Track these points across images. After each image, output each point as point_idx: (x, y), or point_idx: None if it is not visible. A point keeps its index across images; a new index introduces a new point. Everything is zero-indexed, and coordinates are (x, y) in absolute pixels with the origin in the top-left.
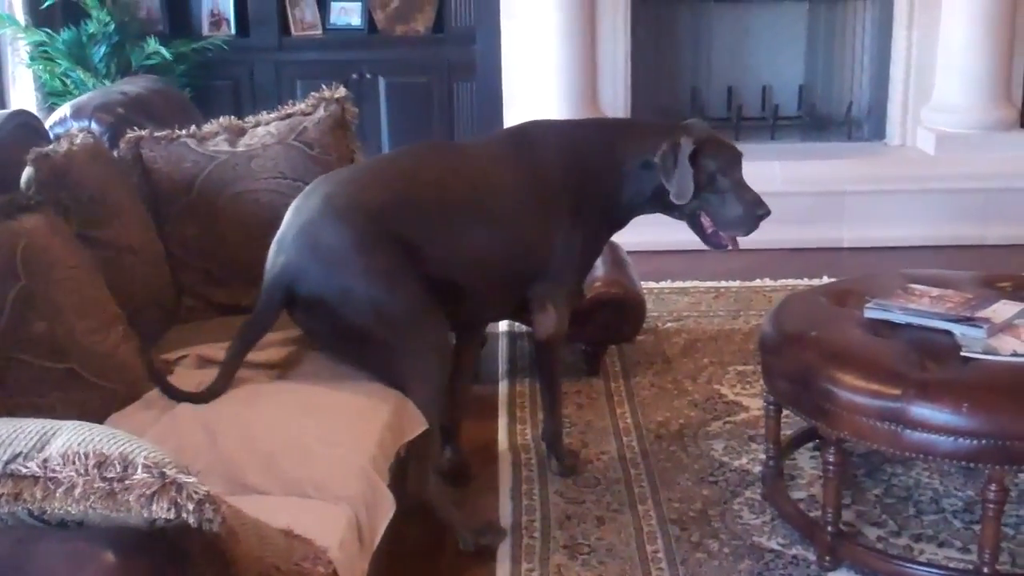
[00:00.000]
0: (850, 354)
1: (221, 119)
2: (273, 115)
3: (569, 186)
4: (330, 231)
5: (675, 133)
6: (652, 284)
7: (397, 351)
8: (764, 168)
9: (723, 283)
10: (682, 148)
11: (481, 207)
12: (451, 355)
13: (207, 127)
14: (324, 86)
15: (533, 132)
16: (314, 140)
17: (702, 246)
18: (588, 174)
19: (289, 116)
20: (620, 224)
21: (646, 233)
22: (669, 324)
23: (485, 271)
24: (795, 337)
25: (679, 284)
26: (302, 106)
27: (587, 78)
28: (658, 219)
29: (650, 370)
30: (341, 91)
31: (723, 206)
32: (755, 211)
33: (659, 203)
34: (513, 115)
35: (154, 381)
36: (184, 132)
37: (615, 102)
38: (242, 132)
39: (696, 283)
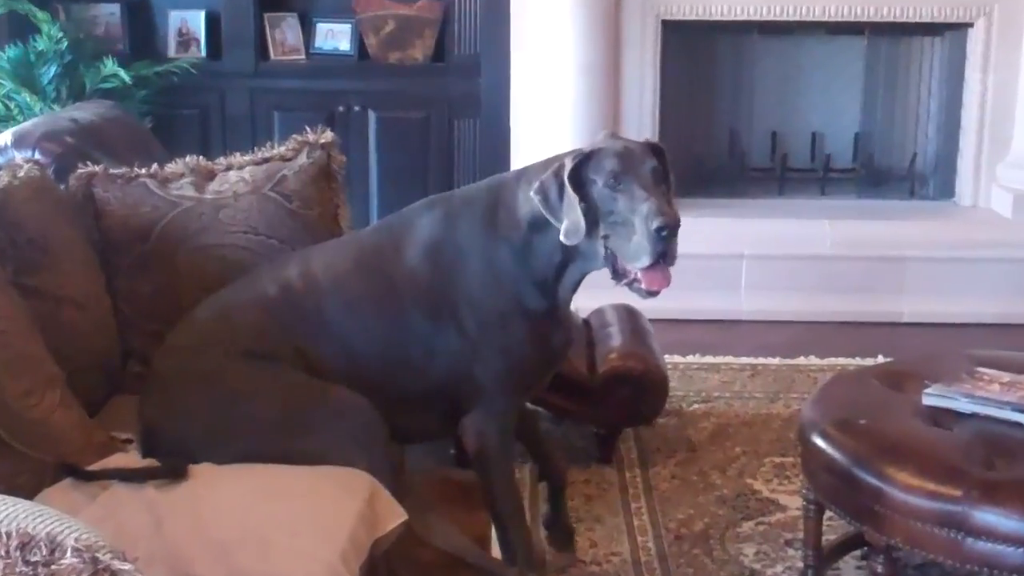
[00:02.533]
0: (905, 447)
1: (188, 159)
2: (248, 158)
3: (434, 290)
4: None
5: (563, 159)
6: (677, 358)
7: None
8: (812, 228)
9: (761, 359)
10: (564, 169)
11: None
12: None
13: (170, 167)
14: (308, 128)
15: (402, 229)
16: (294, 192)
17: (737, 314)
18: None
19: (266, 161)
20: (551, 302)
21: (670, 298)
22: (696, 405)
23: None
24: (842, 425)
25: (709, 359)
26: (282, 150)
27: (608, 118)
28: (684, 281)
29: (672, 459)
30: (328, 135)
31: (622, 233)
32: (650, 226)
33: (579, 259)
34: (521, 158)
35: (117, 476)
36: (144, 171)
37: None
38: (211, 176)
39: (729, 359)
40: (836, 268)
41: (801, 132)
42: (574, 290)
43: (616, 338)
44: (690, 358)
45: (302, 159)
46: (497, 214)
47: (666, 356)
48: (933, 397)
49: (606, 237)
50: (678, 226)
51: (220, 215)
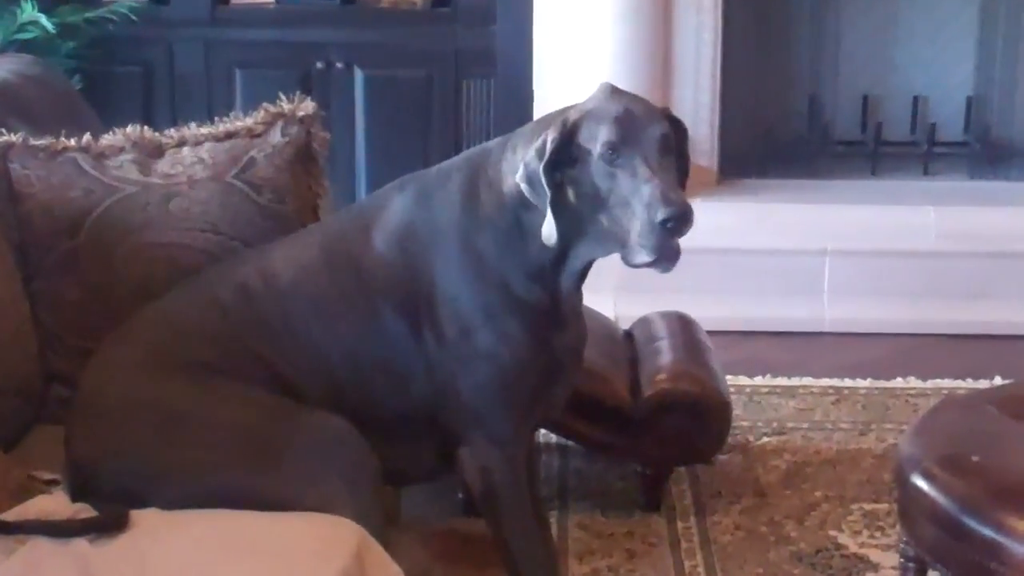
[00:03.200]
0: None
1: (129, 129)
2: (206, 131)
3: (408, 283)
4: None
5: (551, 124)
6: (742, 380)
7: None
8: (913, 217)
9: (847, 381)
10: (547, 146)
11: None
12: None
13: (107, 139)
14: (282, 96)
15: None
16: (265, 180)
17: (819, 324)
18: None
19: (230, 136)
20: (550, 295)
21: (733, 306)
22: (766, 439)
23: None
24: (949, 463)
25: (782, 381)
26: (249, 122)
27: (656, 77)
28: (752, 284)
29: (736, 506)
30: (308, 106)
31: (622, 219)
32: (652, 216)
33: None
34: None
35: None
36: (73, 143)
37: (696, 112)
38: (159, 152)
39: (808, 381)
40: (943, 267)
41: (899, 96)
42: (581, 279)
43: (666, 354)
44: (758, 380)
45: (275, 137)
46: (478, 189)
47: (728, 377)
48: None
49: (610, 220)
50: (688, 217)
51: (170, 206)
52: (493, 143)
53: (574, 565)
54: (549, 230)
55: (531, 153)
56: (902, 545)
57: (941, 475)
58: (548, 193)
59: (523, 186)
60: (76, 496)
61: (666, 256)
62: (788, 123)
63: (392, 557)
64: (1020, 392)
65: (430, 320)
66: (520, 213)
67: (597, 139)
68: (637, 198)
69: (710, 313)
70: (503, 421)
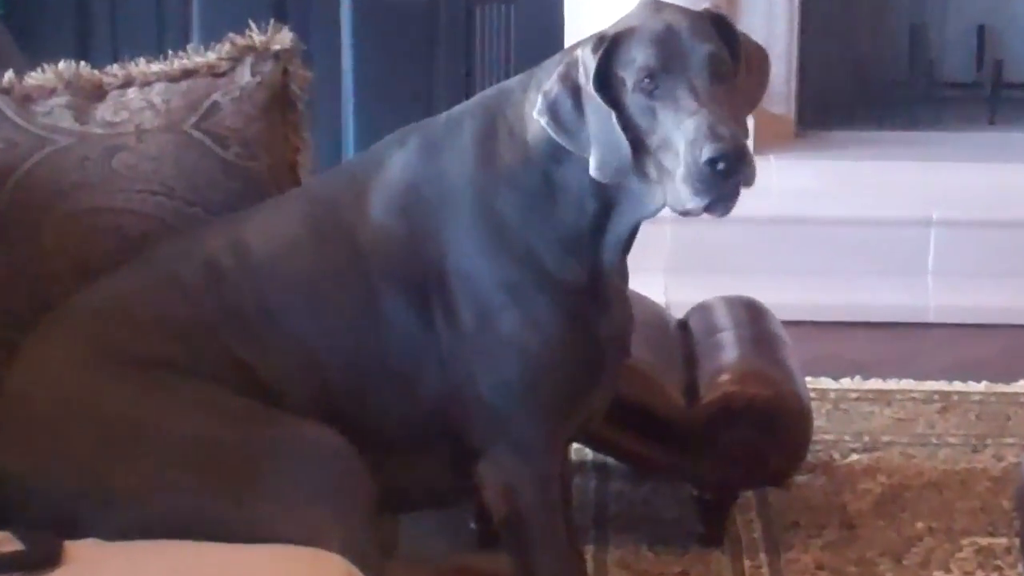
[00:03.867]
0: None
1: (61, 66)
2: (157, 68)
3: (414, 258)
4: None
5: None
6: (825, 382)
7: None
8: None
9: (957, 385)
10: (581, 69)
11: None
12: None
13: (34, 78)
14: (251, 24)
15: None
16: (231, 131)
17: (921, 313)
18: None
19: (187, 75)
20: (590, 269)
21: (813, 289)
22: (855, 456)
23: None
24: None
25: (876, 384)
26: (211, 57)
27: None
28: (837, 262)
29: (817, 540)
30: (285, 38)
31: (666, 161)
32: (697, 154)
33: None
34: None
35: None
36: None
37: (769, 46)
38: (99, 95)
39: (908, 384)
40: None
41: None
42: (626, 250)
43: (730, 349)
44: (845, 382)
45: (243, 76)
46: (496, 140)
47: (808, 379)
48: None
49: (653, 167)
50: (742, 155)
51: (114, 163)
52: (513, 82)
53: None
54: (612, 157)
55: (553, 79)
56: None
57: None
58: (612, 113)
59: (544, 121)
60: None
61: (720, 197)
62: (885, 61)
63: None
64: None
65: (441, 304)
66: (550, 168)
67: (634, 65)
68: (680, 134)
69: (784, 299)
70: (532, 428)
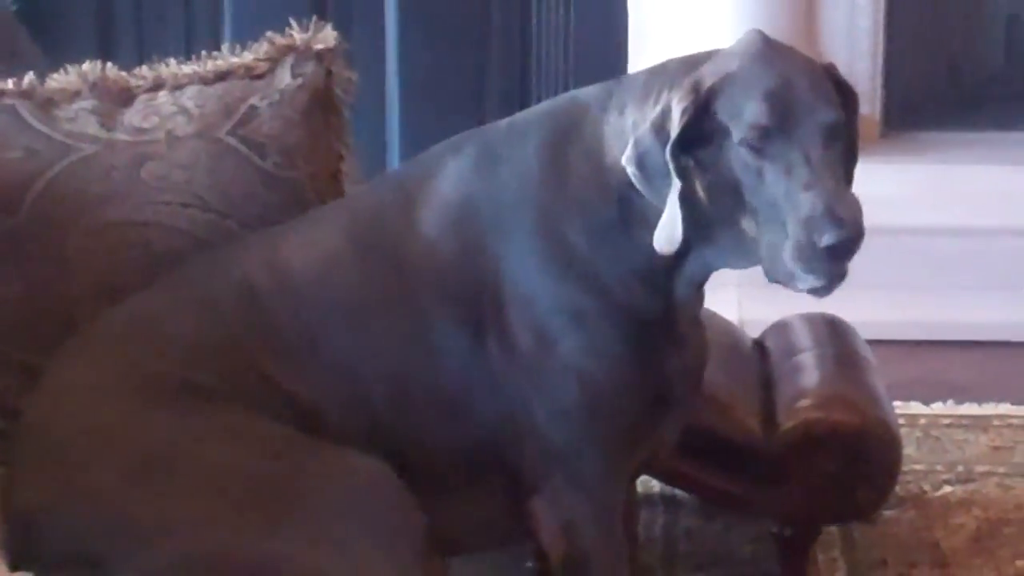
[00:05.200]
0: None
1: (85, 67)
2: (189, 69)
3: (467, 278)
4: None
5: (675, 85)
6: (915, 407)
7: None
8: None
9: None
10: (672, 119)
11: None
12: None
13: (56, 79)
14: (292, 21)
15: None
16: (270, 138)
17: (1019, 332)
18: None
19: (221, 77)
20: (663, 302)
21: (901, 305)
22: (948, 488)
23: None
24: None
25: (972, 410)
26: (248, 58)
27: None
28: (924, 276)
29: None
30: (328, 36)
31: (767, 227)
32: (811, 236)
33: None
34: (647, 56)
35: None
36: (11, 85)
37: (852, 41)
38: (127, 99)
39: (1007, 407)
40: None
41: None
42: (701, 286)
43: (811, 372)
44: (937, 407)
45: (282, 78)
46: (567, 158)
47: (896, 404)
48: None
49: (751, 226)
50: (860, 239)
51: (143, 172)
52: (588, 94)
53: None
54: (670, 234)
55: (646, 127)
56: None
57: None
58: (678, 184)
59: (632, 171)
60: (17, 562)
61: (828, 282)
62: (978, 54)
63: None
64: None
65: (496, 327)
66: (629, 196)
67: (742, 117)
68: (791, 207)
69: (869, 316)
70: (593, 461)
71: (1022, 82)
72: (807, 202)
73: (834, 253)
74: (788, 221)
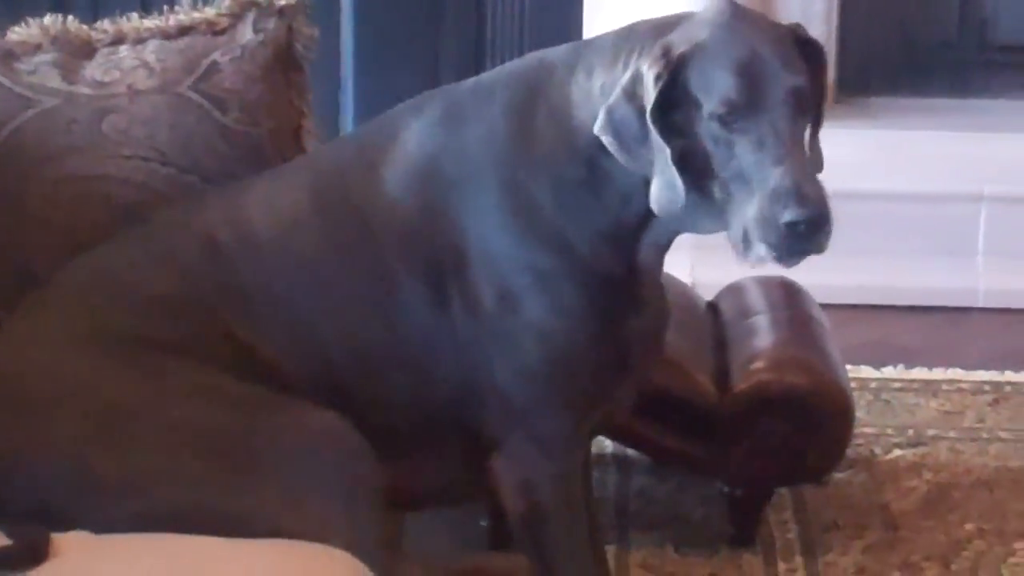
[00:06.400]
0: None
1: (47, 19)
2: (151, 23)
3: (430, 236)
4: None
5: (644, 50)
6: (865, 371)
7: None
8: None
9: (1010, 375)
10: (645, 85)
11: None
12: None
13: (17, 32)
14: None
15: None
16: (231, 93)
17: (970, 297)
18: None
19: (183, 32)
20: (625, 263)
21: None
22: (898, 452)
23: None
24: None
25: (921, 374)
26: (209, 13)
27: None
28: (876, 241)
29: (858, 541)
30: None
31: (735, 197)
32: (776, 212)
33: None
34: (599, 23)
35: None
36: None
37: (806, 6)
38: (89, 52)
39: (956, 373)
40: None
41: None
42: (665, 249)
43: (765, 334)
44: (888, 371)
45: (244, 33)
46: (534, 118)
47: (847, 366)
48: None
49: (721, 192)
50: (825, 221)
51: (104, 126)
52: (555, 56)
53: None
54: (671, 197)
55: (619, 94)
56: None
57: None
58: (666, 149)
59: (607, 140)
60: None
61: (789, 255)
62: (932, 20)
63: None
64: None
65: (458, 285)
66: (597, 158)
67: (712, 91)
68: (759, 181)
69: (821, 280)
70: (552, 419)
71: (974, 49)
72: (774, 177)
73: (795, 230)
74: (756, 193)
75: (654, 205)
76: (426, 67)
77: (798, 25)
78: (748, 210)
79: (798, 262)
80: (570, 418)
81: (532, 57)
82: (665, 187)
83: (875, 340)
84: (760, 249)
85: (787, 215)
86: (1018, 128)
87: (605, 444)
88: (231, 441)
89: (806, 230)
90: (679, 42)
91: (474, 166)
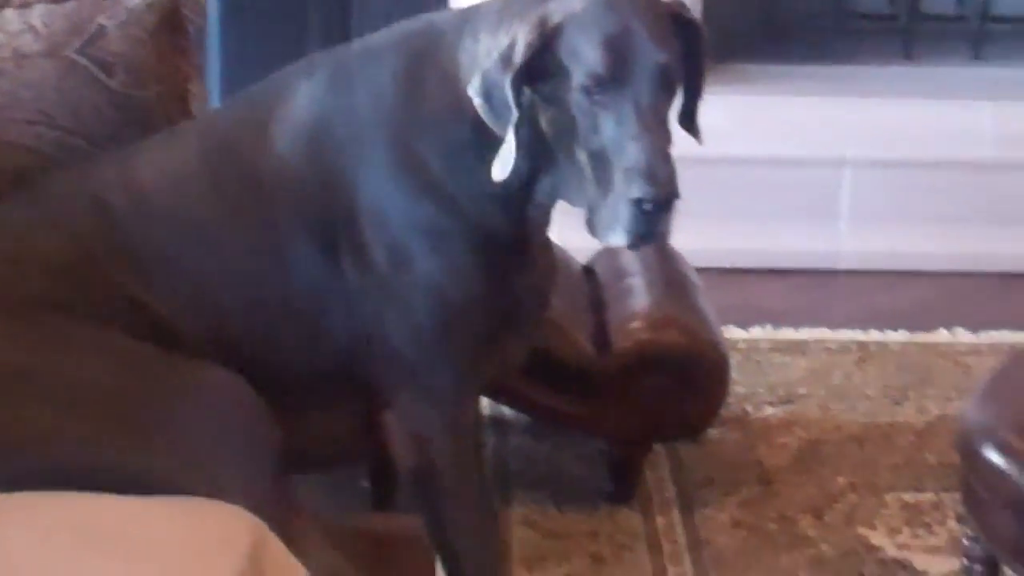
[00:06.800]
0: None
1: None
2: None
3: (321, 196)
4: None
5: (525, 17)
6: (736, 332)
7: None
8: (961, 114)
9: (875, 334)
10: (517, 52)
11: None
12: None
13: None
14: None
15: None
16: (117, 57)
17: (834, 259)
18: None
19: None
20: (514, 222)
21: (720, 236)
22: (769, 410)
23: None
24: None
25: (788, 334)
26: None
27: None
28: (743, 206)
29: (733, 497)
30: None
31: (598, 172)
32: (629, 189)
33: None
34: None
35: None
36: None
37: None
38: None
39: (823, 333)
40: (1001, 182)
41: None
42: (550, 210)
43: (641, 295)
44: (756, 332)
45: None
46: (423, 80)
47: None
48: None
49: (588, 162)
50: (671, 202)
51: None
52: (444, 20)
53: (521, 574)
54: (503, 163)
55: (494, 58)
56: (966, 542)
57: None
58: (515, 115)
59: (477, 102)
60: None
61: (639, 238)
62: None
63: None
64: None
65: (351, 245)
66: (482, 121)
67: (580, 62)
68: (616, 155)
69: (686, 244)
70: (444, 376)
71: (834, 16)
72: (631, 153)
73: (642, 208)
74: (612, 167)
75: (493, 170)
76: (293, 32)
77: (681, 3)
78: (602, 185)
79: (641, 245)
80: (460, 374)
81: (421, 20)
82: (503, 153)
83: (742, 303)
84: (612, 231)
85: (634, 191)
86: (878, 94)
87: (481, 405)
88: (127, 400)
89: (652, 209)
90: (556, 12)
91: (364, 127)
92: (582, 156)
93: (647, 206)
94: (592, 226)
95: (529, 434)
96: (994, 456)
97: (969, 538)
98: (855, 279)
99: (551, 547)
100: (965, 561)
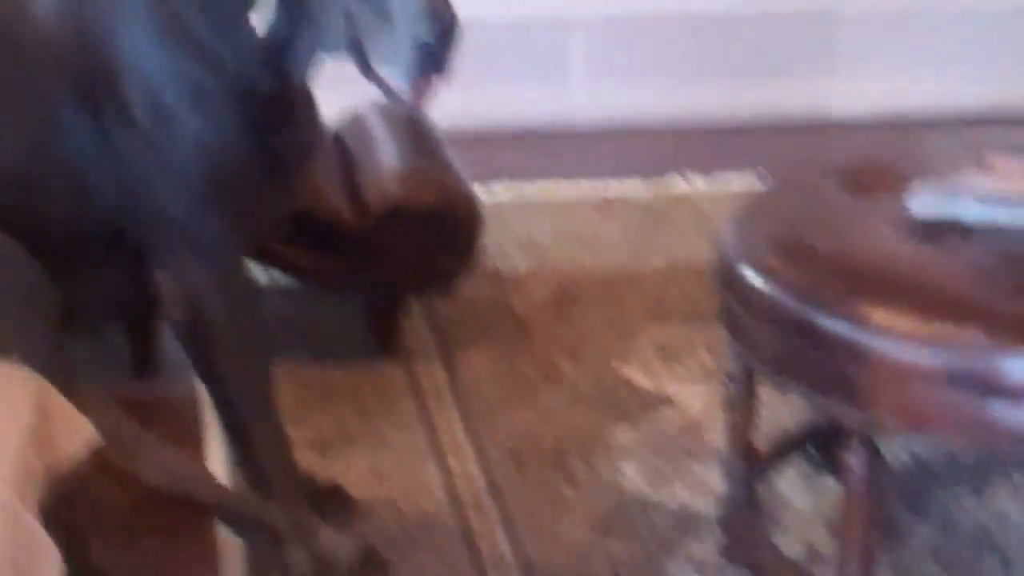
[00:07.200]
0: (891, 276)
1: None
2: None
3: (82, 58)
4: None
5: None
6: (479, 190)
7: None
8: None
9: (613, 185)
10: None
11: None
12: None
13: None
14: None
15: None
16: None
17: (567, 116)
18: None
19: None
20: (274, 76)
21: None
22: (520, 262)
23: None
24: (788, 251)
25: (532, 190)
26: None
27: None
28: (469, 66)
29: (491, 342)
30: None
31: (371, 18)
32: (415, 30)
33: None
34: None
35: None
36: None
37: None
38: None
39: (565, 187)
40: (728, 35)
41: None
42: (313, 67)
43: (390, 153)
44: (499, 190)
45: None
46: None
47: None
48: (926, 201)
49: (348, 16)
50: (457, 34)
51: None
52: None
53: (289, 429)
54: (263, 17)
55: None
56: (730, 361)
57: (779, 267)
58: None
59: None
60: None
61: (420, 72)
62: None
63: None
64: (861, 164)
65: (114, 103)
66: None
67: None
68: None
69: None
70: (213, 231)
71: None
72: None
73: (429, 49)
74: (394, 12)
75: (252, 23)
76: None
77: None
78: (385, 30)
79: (427, 85)
80: (229, 229)
81: None
82: (261, 7)
83: (482, 164)
84: (400, 72)
85: (424, 30)
86: None
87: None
88: None
89: (437, 46)
90: None
91: None
92: (360, 6)
93: (432, 47)
94: (369, 70)
95: (287, 295)
96: (752, 277)
97: (732, 356)
98: (590, 137)
99: (317, 400)
100: (725, 378)
